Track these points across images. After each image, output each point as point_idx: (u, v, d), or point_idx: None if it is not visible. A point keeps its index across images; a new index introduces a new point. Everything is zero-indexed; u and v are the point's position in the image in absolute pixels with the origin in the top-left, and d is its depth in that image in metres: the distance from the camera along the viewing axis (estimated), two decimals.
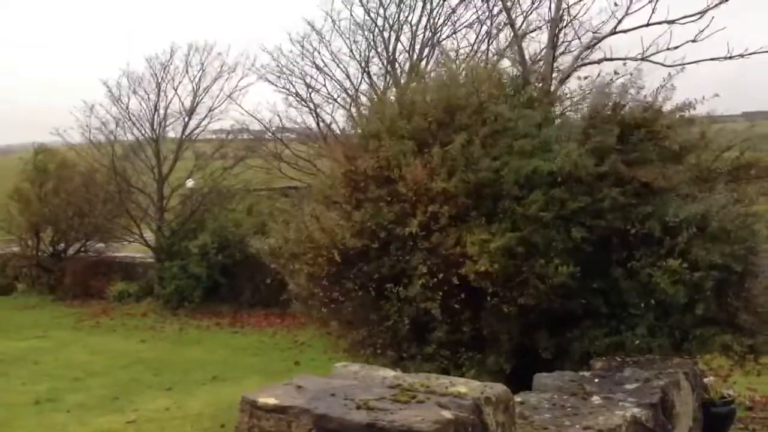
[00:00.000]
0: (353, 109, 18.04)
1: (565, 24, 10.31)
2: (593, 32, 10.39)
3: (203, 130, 21.65)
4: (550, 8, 10.23)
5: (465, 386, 4.10)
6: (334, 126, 19.51)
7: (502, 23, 15.10)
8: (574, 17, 10.41)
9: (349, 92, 18.89)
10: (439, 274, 7.71)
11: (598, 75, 9.24)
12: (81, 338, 16.28)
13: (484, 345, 8.08)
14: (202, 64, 20.90)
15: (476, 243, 7.50)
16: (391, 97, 8.88)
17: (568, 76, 9.78)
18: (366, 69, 18.44)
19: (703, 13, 9.09)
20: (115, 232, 21.81)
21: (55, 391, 11.78)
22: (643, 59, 9.01)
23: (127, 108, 20.81)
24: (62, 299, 21.18)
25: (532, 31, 12.29)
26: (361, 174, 8.32)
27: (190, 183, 21.05)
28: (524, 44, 10.52)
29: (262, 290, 17.56)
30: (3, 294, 22.50)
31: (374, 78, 18.36)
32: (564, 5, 10.03)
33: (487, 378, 6.42)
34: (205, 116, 21.10)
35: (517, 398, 5.39)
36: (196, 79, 20.88)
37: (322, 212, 8.63)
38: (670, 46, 8.95)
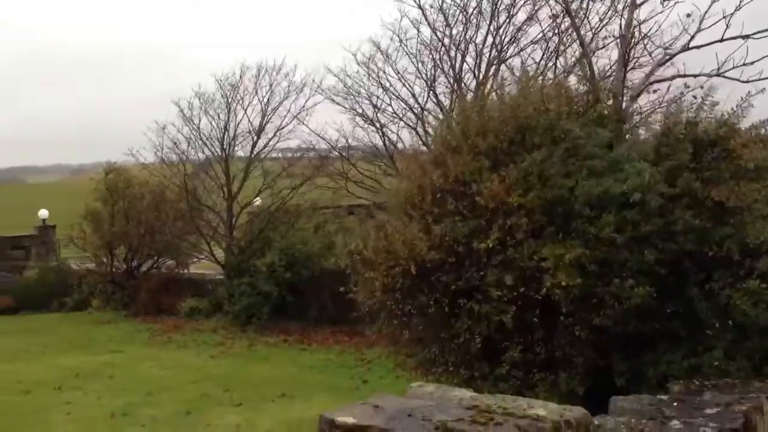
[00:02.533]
0: (419, 128, 18.11)
1: (636, 41, 10.17)
2: (665, 48, 10.23)
3: (271, 150, 21.97)
4: (620, 25, 10.11)
5: (543, 409, 4.07)
6: (399, 145, 19.55)
7: (569, 40, 14.97)
8: (646, 35, 10.26)
9: (415, 111, 18.95)
10: (519, 288, 7.66)
11: (668, 90, 9.10)
12: (153, 353, 16.62)
13: (556, 366, 7.99)
14: (271, 84, 21.24)
15: (552, 256, 7.44)
16: (472, 114, 8.86)
17: (640, 94, 9.64)
18: (432, 88, 18.49)
19: None
20: (185, 250, 22.24)
21: (130, 405, 12.03)
22: (718, 75, 8.82)
23: (198, 128, 21.26)
24: (135, 315, 21.69)
25: (600, 48, 12.17)
26: (437, 187, 8.36)
27: (258, 201, 21.35)
28: (592, 61, 10.44)
29: (329, 308, 17.68)
30: (78, 309, 23.18)
31: (440, 97, 18.38)
32: (635, 22, 9.89)
33: (559, 400, 6.33)
34: (273, 135, 21.41)
35: (594, 422, 5.30)
36: (265, 100, 21.23)
37: (403, 224, 8.67)
38: (746, 62, 8.74)
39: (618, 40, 10.15)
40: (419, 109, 18.84)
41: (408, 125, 19.28)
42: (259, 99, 21.21)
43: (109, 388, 13.39)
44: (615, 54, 10.23)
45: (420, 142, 17.02)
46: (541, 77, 13.25)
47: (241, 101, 21.18)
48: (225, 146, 21.13)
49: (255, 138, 21.18)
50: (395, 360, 9.95)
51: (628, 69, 10.37)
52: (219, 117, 21.15)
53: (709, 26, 9.24)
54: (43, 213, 27.90)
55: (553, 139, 8.11)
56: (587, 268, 7.43)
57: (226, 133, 21.10)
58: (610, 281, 7.41)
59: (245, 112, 21.21)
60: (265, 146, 21.46)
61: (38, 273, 24.79)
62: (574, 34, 12.15)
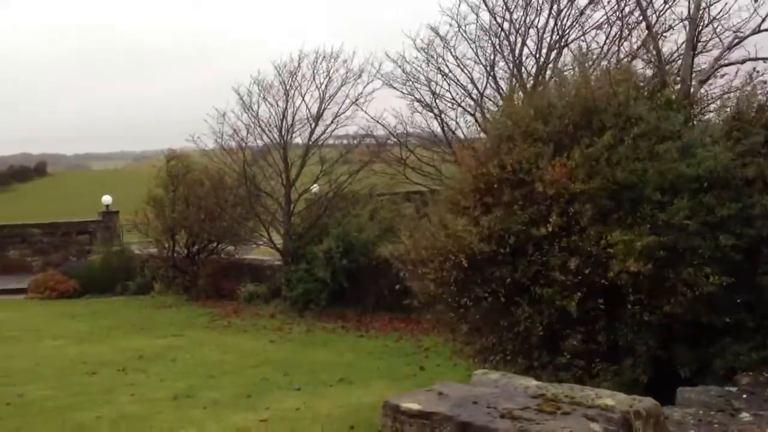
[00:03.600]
0: (478, 114, 17.93)
1: (705, 23, 9.87)
2: (734, 31, 9.91)
3: (329, 136, 21.98)
4: (689, 7, 9.82)
5: (612, 399, 3.98)
6: (458, 131, 19.40)
7: (634, 23, 14.61)
8: (715, 17, 9.95)
9: (474, 97, 18.77)
10: (585, 270, 7.53)
11: (736, 74, 8.83)
12: (214, 337, 16.89)
13: (619, 356, 7.84)
14: (329, 71, 21.21)
15: (620, 242, 7.29)
16: (527, 100, 8.72)
17: (708, 77, 9.37)
18: (492, 73, 18.26)
19: None
20: (244, 235, 22.51)
21: (192, 388, 12.23)
22: None
23: (257, 115, 21.39)
24: (196, 299, 22.08)
25: (666, 31, 11.85)
26: (493, 177, 8.25)
27: (315, 188, 21.46)
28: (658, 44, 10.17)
29: (387, 295, 17.69)
30: (141, 293, 23.71)
31: (500, 82, 18.16)
32: (703, 4, 9.60)
33: (622, 390, 6.22)
34: (331, 122, 21.37)
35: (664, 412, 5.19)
36: (323, 86, 21.19)
37: (450, 218, 8.60)
38: None
39: (685, 23, 9.88)
40: (478, 95, 18.66)
41: (467, 111, 19.12)
42: (317, 85, 21.22)
43: (172, 370, 13.63)
44: (681, 37, 9.96)
45: (478, 129, 16.87)
46: (605, 61, 12.99)
47: (299, 88, 21.21)
48: (283, 133, 21.21)
49: (313, 124, 21.22)
50: (452, 348, 9.90)
51: (696, 52, 10.08)
52: (277, 104, 21.23)
53: None
54: (107, 199, 28.56)
55: (622, 123, 7.93)
56: (657, 255, 7.26)
57: (285, 119, 21.15)
58: (682, 269, 7.24)
59: (303, 99, 21.25)
60: (323, 133, 21.47)
61: (102, 257, 25.41)
62: (639, 17, 11.86)
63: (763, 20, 9.12)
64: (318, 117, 21.25)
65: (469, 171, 8.81)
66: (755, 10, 9.20)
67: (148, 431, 9.98)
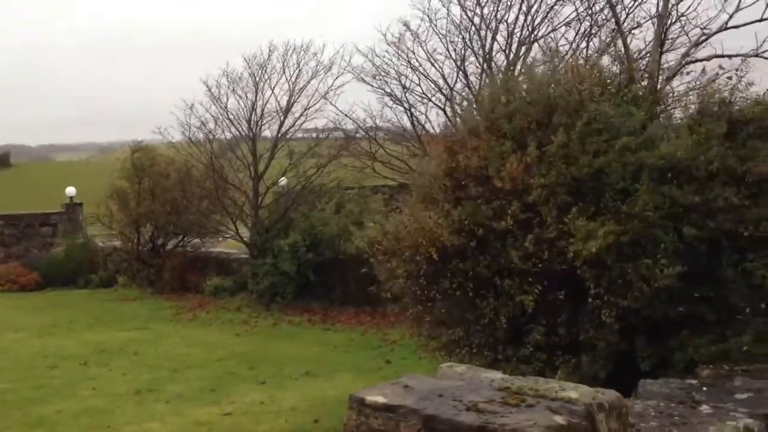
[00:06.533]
0: (448, 109, 17.94)
1: (673, 20, 9.97)
2: (702, 28, 10.02)
3: (298, 129, 21.87)
4: (657, 5, 9.90)
5: (575, 391, 3.99)
6: (428, 125, 19.42)
7: (603, 20, 14.72)
8: (683, 14, 10.05)
9: (444, 91, 18.79)
10: (542, 256, 7.57)
11: (703, 71, 8.93)
12: (178, 331, 16.76)
13: (580, 349, 7.90)
14: (299, 63, 21.13)
15: (582, 230, 7.34)
16: (496, 96, 8.73)
17: (675, 74, 9.46)
18: (462, 68, 18.30)
19: None
20: (211, 228, 22.32)
21: (155, 381, 12.13)
22: (756, 56, 8.63)
23: (226, 107, 21.23)
24: (160, 292, 21.86)
25: (635, 28, 11.94)
26: (461, 171, 8.26)
27: (283, 181, 21.34)
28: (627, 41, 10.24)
29: (353, 289, 17.65)
30: (105, 287, 23.42)
31: (470, 77, 18.20)
32: (672, 1, 9.69)
33: (582, 383, 6.27)
34: (301, 115, 21.27)
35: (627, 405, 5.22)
36: (293, 79, 21.11)
37: (421, 211, 8.59)
38: None
39: (654, 20, 9.97)
40: (448, 90, 18.68)
41: (437, 106, 19.15)
42: (287, 78, 21.14)
43: (135, 364, 13.51)
44: (650, 34, 10.05)
45: (448, 123, 16.88)
46: (572, 57, 13.06)
47: (268, 80, 21.12)
48: (252, 125, 21.08)
49: (282, 117, 21.12)
50: (418, 341, 9.91)
51: (664, 49, 10.17)
52: (246, 96, 21.11)
53: (749, 5, 9.04)
54: (71, 190, 28.10)
55: (582, 119, 7.97)
56: (619, 242, 7.32)
57: (254, 112, 21.02)
58: (641, 262, 7.31)
59: (273, 92, 21.15)
60: (292, 126, 21.37)
61: (65, 250, 25.04)
62: (608, 13, 11.94)
63: (730, 17, 9.26)
64: (287, 110, 21.15)
65: (439, 165, 8.80)
66: (723, 8, 9.31)
67: (110, 425, 9.88)
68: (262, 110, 21.12)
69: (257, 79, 20.97)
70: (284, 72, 21.08)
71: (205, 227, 22.23)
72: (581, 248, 7.28)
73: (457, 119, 9.52)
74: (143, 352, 14.45)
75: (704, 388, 6.39)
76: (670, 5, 9.65)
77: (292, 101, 21.08)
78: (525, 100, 8.40)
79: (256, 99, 21.01)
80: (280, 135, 21.19)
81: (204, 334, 16.24)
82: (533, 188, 7.73)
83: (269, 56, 21.03)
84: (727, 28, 9.17)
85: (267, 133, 21.57)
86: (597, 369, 7.77)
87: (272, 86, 21.11)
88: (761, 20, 8.85)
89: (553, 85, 8.39)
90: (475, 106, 9.32)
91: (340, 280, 18.39)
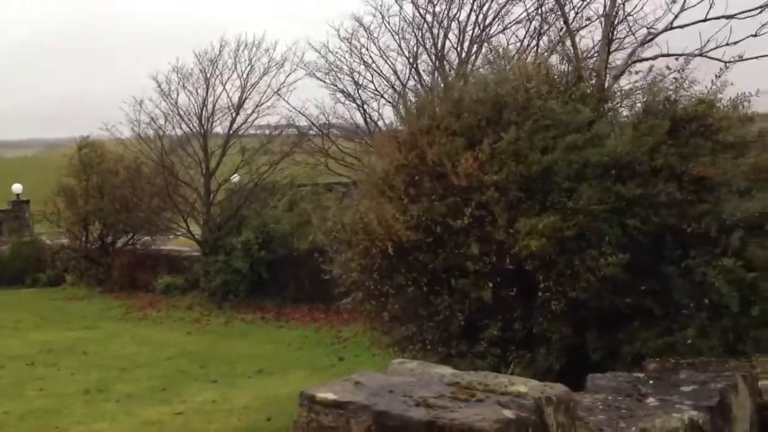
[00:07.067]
0: (401, 106, 17.98)
1: (620, 20, 10.13)
2: (648, 28, 10.20)
3: (250, 126, 21.77)
4: (605, 4, 10.06)
5: (525, 386, 4.04)
6: (380, 122, 19.46)
7: (553, 19, 14.92)
8: (629, 13, 10.23)
9: (396, 88, 18.85)
10: (492, 256, 7.64)
11: (650, 70, 9.09)
12: (128, 330, 16.52)
13: (534, 343, 8.00)
14: (251, 59, 21.03)
15: (526, 226, 7.45)
16: (446, 94, 8.79)
17: (622, 73, 9.62)
18: (414, 65, 18.38)
19: (763, 7, 8.88)
20: (161, 226, 22.05)
21: (104, 381, 11.96)
22: (700, 55, 8.82)
23: (176, 103, 21.04)
24: (110, 291, 21.55)
25: (584, 27, 12.11)
26: (413, 168, 8.29)
27: (235, 178, 21.20)
28: (576, 40, 10.39)
29: (306, 286, 17.64)
30: (52, 285, 22.99)
31: (422, 74, 18.30)
32: (619, 1, 9.85)
33: (535, 377, 6.35)
34: (253, 112, 21.21)
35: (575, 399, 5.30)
36: (244, 75, 21.01)
37: (379, 204, 8.58)
38: (729, 41, 8.74)
39: (602, 19, 10.12)
40: (401, 87, 18.74)
41: (389, 102, 19.20)
42: (238, 74, 21.02)
43: (84, 363, 13.29)
44: (599, 34, 10.20)
45: (400, 120, 16.92)
46: (521, 56, 13.20)
47: (220, 76, 20.97)
48: (203, 122, 20.92)
49: (234, 114, 21.01)
50: (371, 338, 9.93)
51: (611, 49, 10.34)
52: (197, 92, 20.94)
53: (694, 5, 9.24)
54: (17, 187, 27.52)
55: (530, 117, 8.07)
56: (561, 236, 7.43)
57: (205, 108, 20.88)
58: (586, 254, 7.43)
59: (224, 88, 21.03)
60: (244, 122, 21.29)
61: (11, 248, 24.53)
62: (558, 12, 12.09)
63: (675, 17, 9.43)
64: (239, 106, 21.05)
65: (391, 163, 8.81)
66: (668, 8, 9.48)
67: (58, 426, 9.72)
68: (214, 106, 21.03)
69: (208, 75, 20.89)
70: (236, 68, 21.03)
71: (156, 225, 21.97)
72: (526, 244, 7.38)
73: (408, 116, 9.52)
74: (92, 352, 14.22)
75: (651, 381, 6.50)
76: (617, 5, 9.81)
77: (244, 97, 21.00)
78: (472, 98, 8.46)
79: (207, 95, 20.92)
80: (232, 131, 21.07)
81: (154, 333, 16.05)
82: (486, 185, 7.80)
83: (220, 52, 20.99)
84: (672, 28, 9.34)
85: (219, 129, 21.47)
86: (551, 361, 7.86)
87: (223, 82, 21.05)
88: (705, 20, 9.04)
89: (500, 84, 8.47)
90: (420, 105, 9.34)
91: (293, 277, 18.34)
